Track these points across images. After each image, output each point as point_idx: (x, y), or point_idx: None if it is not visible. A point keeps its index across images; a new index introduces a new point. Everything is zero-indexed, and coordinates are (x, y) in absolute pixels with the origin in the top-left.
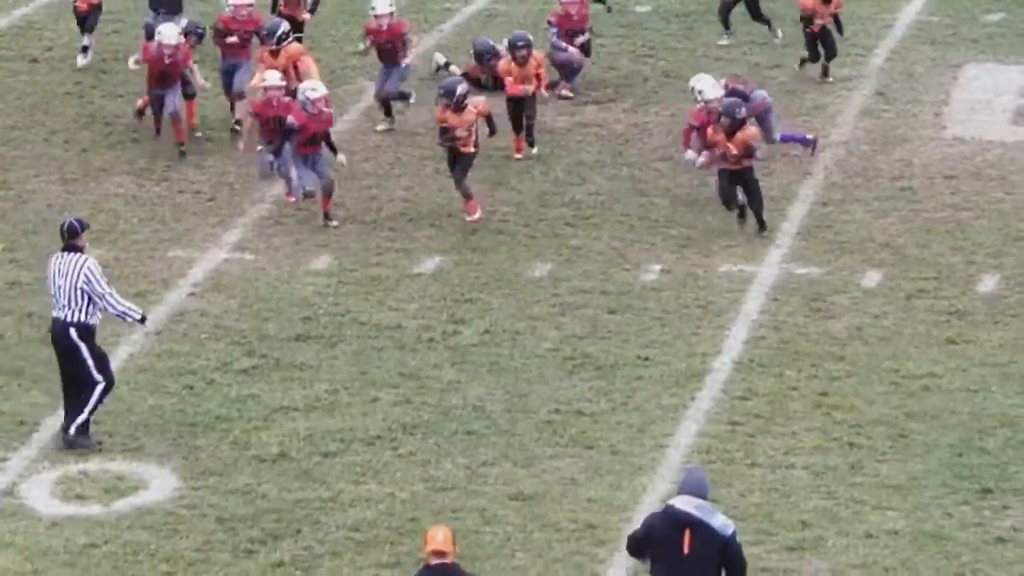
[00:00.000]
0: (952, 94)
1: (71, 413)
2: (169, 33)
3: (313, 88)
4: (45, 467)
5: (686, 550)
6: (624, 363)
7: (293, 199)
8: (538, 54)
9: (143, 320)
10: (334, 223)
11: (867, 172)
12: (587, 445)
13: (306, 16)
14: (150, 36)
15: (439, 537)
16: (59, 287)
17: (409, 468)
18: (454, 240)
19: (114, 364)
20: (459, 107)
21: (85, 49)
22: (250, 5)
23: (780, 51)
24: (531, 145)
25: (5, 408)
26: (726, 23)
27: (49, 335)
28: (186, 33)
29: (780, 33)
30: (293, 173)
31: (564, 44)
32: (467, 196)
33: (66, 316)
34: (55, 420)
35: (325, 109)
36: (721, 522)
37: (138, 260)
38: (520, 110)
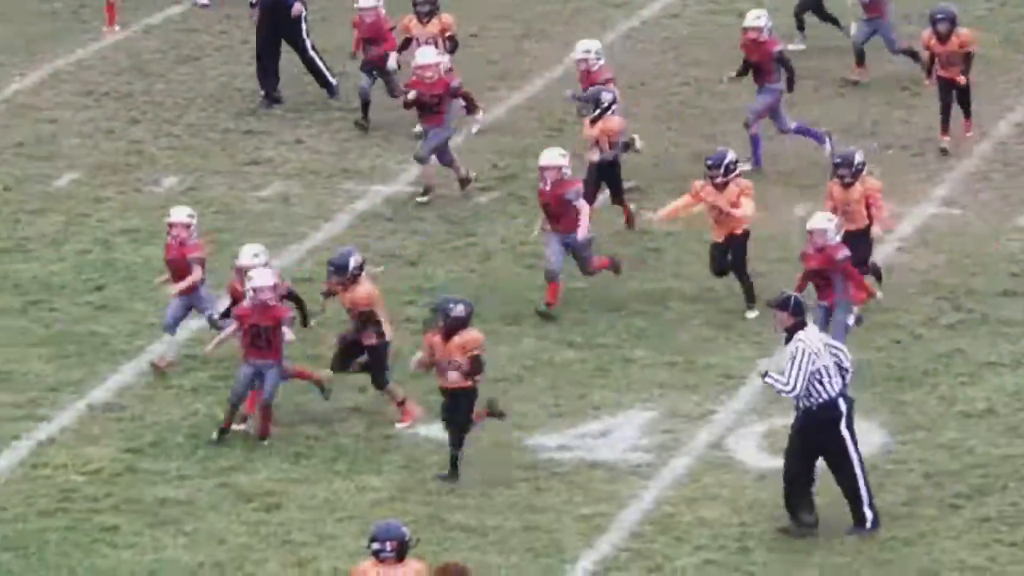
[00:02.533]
0: None
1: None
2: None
3: (257, 276)
4: (752, 420)
5: None
6: None
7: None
8: (742, 182)
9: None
10: (265, 443)
11: None
12: None
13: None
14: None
15: None
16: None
17: None
18: None
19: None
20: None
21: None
22: (435, 65)
23: None
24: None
25: (713, 361)
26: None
27: None
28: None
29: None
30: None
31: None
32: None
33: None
34: None
35: (274, 300)
36: None
37: None
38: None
